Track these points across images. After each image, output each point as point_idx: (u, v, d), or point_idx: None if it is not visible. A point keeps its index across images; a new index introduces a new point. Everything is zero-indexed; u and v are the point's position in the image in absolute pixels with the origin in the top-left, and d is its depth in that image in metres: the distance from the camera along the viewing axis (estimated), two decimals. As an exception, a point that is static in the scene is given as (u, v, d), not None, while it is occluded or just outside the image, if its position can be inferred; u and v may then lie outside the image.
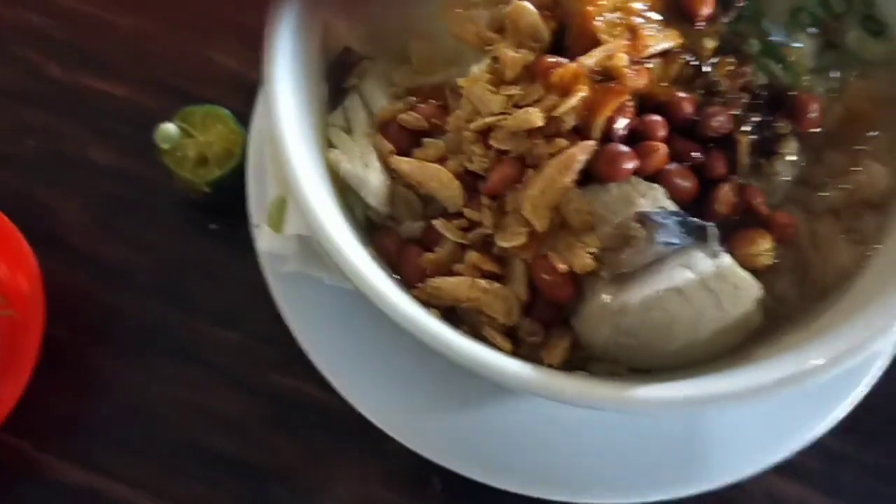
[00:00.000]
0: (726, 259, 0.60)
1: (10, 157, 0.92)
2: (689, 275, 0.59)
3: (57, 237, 0.87)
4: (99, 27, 0.97)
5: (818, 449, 0.74)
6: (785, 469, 0.74)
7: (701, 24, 0.68)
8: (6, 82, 0.96)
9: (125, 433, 0.80)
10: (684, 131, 0.65)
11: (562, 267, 0.60)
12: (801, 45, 0.71)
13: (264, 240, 0.72)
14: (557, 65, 0.63)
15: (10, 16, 0.98)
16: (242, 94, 0.90)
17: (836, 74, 0.71)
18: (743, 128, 0.66)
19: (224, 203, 0.84)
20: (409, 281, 0.64)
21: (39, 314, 0.78)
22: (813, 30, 0.71)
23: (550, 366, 0.61)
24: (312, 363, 0.75)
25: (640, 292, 0.59)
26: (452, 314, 0.64)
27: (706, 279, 0.60)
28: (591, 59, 0.63)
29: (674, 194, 0.63)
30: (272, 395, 0.82)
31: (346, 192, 0.67)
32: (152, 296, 0.85)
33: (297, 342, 0.75)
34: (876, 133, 0.69)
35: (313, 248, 0.71)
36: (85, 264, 0.87)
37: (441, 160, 0.66)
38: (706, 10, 0.67)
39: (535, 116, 0.61)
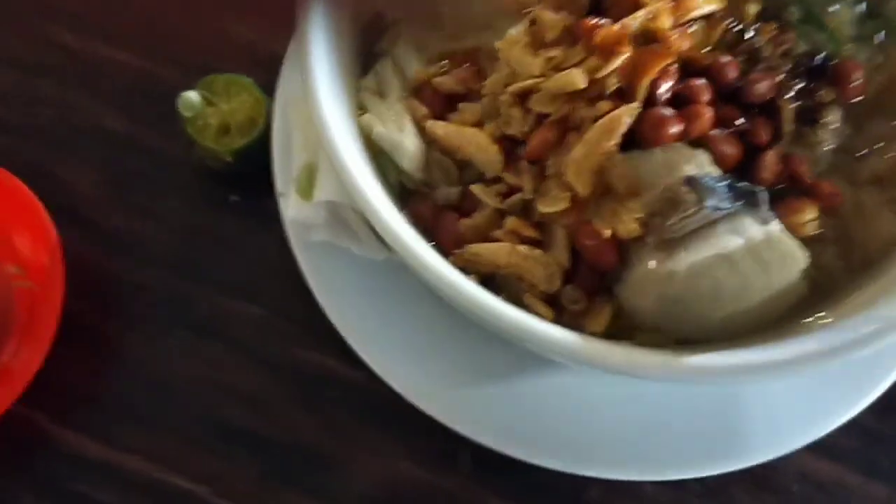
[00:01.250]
0: (776, 226, 0.59)
1: (25, 128, 0.90)
2: (737, 241, 0.58)
3: (74, 209, 0.85)
4: (114, -3, 0.95)
5: (855, 428, 0.72)
6: (819, 448, 0.73)
7: (745, -13, 0.66)
8: (19, 52, 0.94)
9: (143, 408, 0.78)
10: (727, 97, 0.64)
11: (606, 232, 0.58)
12: (843, 13, 0.69)
13: (292, 207, 0.70)
14: (600, 26, 0.61)
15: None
16: (258, 64, 0.89)
17: (878, 43, 0.69)
18: (786, 95, 0.65)
19: (246, 173, 0.82)
20: (446, 247, 0.62)
21: (59, 287, 0.76)
22: (855, -3, 0.70)
23: (593, 334, 0.59)
24: (338, 336, 0.73)
25: (687, 258, 0.57)
26: (491, 282, 0.62)
27: (755, 247, 0.58)
28: (634, 21, 0.61)
29: (718, 160, 0.61)
30: (294, 369, 0.80)
31: (379, 157, 0.65)
32: (171, 269, 0.83)
33: (324, 314, 0.73)
34: (920, 102, 0.67)
35: (343, 216, 0.69)
36: (102, 237, 0.84)
37: (478, 124, 0.64)
38: (752, -28, 0.66)
39: (578, 78, 0.60)
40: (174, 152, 0.87)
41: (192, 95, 0.80)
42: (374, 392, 0.75)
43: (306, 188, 0.69)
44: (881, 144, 0.67)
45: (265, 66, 0.85)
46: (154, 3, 0.95)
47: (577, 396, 0.71)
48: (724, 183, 0.57)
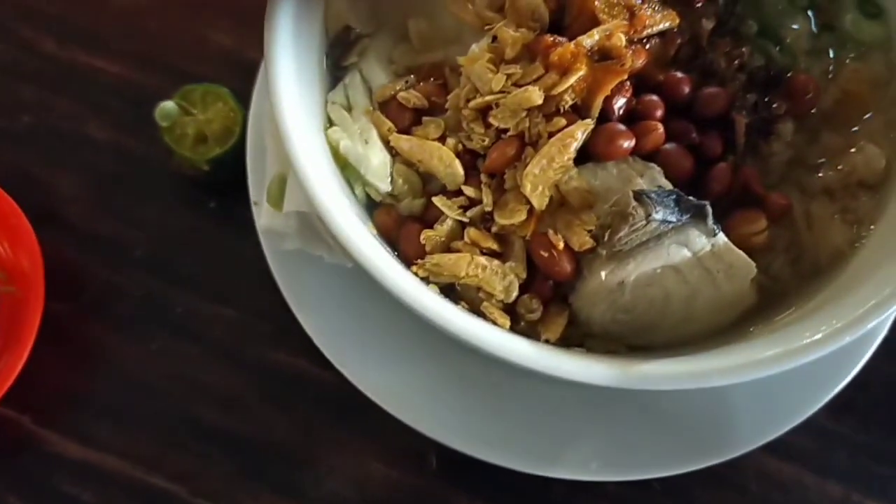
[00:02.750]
0: (722, 238, 0.61)
1: (5, 133, 0.92)
2: (685, 252, 0.60)
3: (54, 213, 0.87)
4: (92, 2, 0.97)
5: (811, 428, 0.75)
6: (777, 447, 0.75)
7: (699, 5, 0.68)
8: (1, 58, 0.95)
9: (122, 407, 0.81)
10: (681, 111, 0.66)
11: (560, 244, 0.60)
12: (798, 27, 0.71)
13: (264, 217, 0.72)
14: (557, 44, 0.63)
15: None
16: (238, 71, 0.91)
17: (832, 56, 0.71)
18: (740, 108, 0.67)
19: (223, 181, 0.85)
20: (409, 258, 0.65)
21: (39, 290, 0.78)
22: (810, 11, 0.72)
23: (548, 341, 0.62)
24: (310, 340, 0.75)
25: (637, 269, 0.60)
26: (451, 291, 0.64)
27: (702, 257, 0.61)
28: (590, 39, 0.63)
29: (671, 173, 0.63)
30: (268, 371, 0.82)
31: (346, 169, 0.67)
32: (149, 272, 0.85)
33: (296, 319, 0.75)
34: (871, 115, 0.69)
35: (313, 225, 0.71)
36: (82, 240, 0.87)
37: (441, 138, 0.66)
38: (705, -10, 0.67)
39: (535, 94, 0.62)
40: (154, 158, 0.89)
41: (168, 105, 0.82)
42: (345, 393, 0.77)
43: (277, 198, 0.71)
44: (833, 156, 0.69)
45: (246, 73, 0.86)
46: (133, 10, 0.96)
47: (541, 399, 0.73)
48: (672, 197, 0.59)
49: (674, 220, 0.59)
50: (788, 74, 0.69)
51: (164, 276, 0.85)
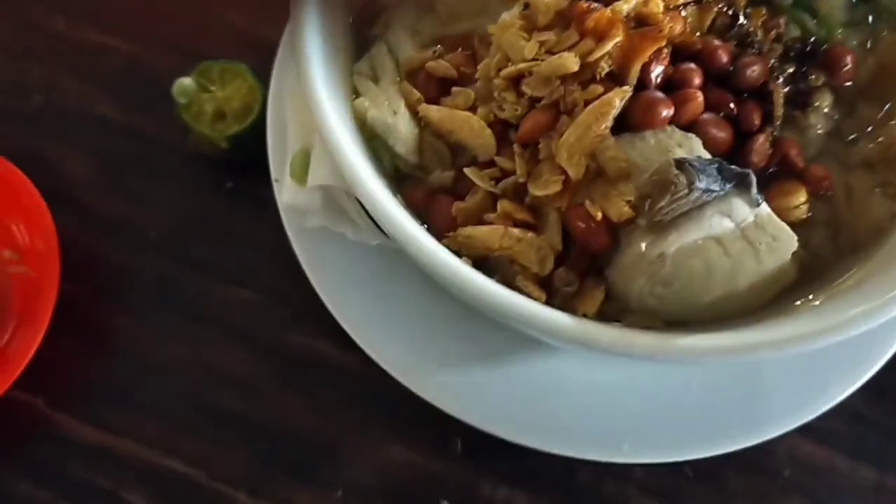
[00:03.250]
0: (765, 208, 0.59)
1: (18, 113, 0.90)
2: (728, 223, 0.58)
3: (68, 194, 0.85)
4: (105, -19, 0.95)
5: (844, 412, 0.73)
6: (809, 431, 0.74)
7: (735, -27, 0.66)
8: (10, 37, 0.94)
9: (136, 391, 0.79)
10: (719, 81, 0.64)
11: (597, 215, 0.58)
12: (833, -2, 0.70)
13: (286, 193, 0.70)
14: (593, 10, 0.61)
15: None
16: (252, 50, 0.89)
17: (869, 29, 0.70)
18: (777, 79, 0.65)
19: (241, 160, 0.83)
20: (440, 231, 0.63)
21: (54, 272, 0.76)
22: (846, -18, 0.70)
23: (585, 316, 0.60)
24: (330, 320, 0.73)
25: (678, 240, 0.58)
26: (484, 265, 0.62)
27: (745, 228, 0.59)
28: (626, 5, 0.61)
29: (709, 144, 0.61)
30: (285, 353, 0.80)
31: (373, 140, 0.65)
32: (165, 254, 0.83)
33: (316, 298, 0.73)
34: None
35: (338, 201, 0.69)
36: (97, 222, 0.85)
37: (471, 108, 0.64)
38: (743, -43, 0.66)
39: (571, 61, 0.60)
40: (168, 138, 0.87)
41: (186, 82, 0.81)
42: (366, 377, 0.75)
43: (300, 173, 0.69)
44: (871, 128, 0.67)
45: (258, 51, 0.85)
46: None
47: (568, 379, 0.71)
48: (714, 165, 0.57)
49: (717, 188, 0.57)
50: (825, 46, 0.68)
51: (179, 258, 0.83)
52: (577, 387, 0.72)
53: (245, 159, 0.82)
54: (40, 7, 0.94)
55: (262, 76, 0.82)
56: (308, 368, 0.79)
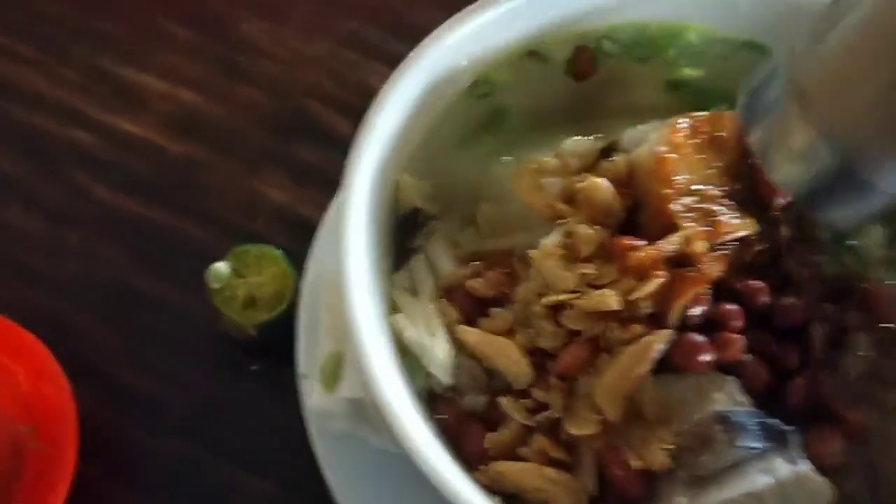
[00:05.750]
0: (805, 465, 0.58)
1: (49, 279, 0.90)
2: (767, 480, 0.57)
3: (91, 367, 0.85)
4: (149, 152, 0.97)
5: None
6: None
7: (776, 212, 0.67)
8: (50, 201, 0.95)
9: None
10: (758, 320, 0.64)
11: (637, 463, 0.57)
12: (873, 236, 0.70)
13: (315, 397, 0.70)
14: (636, 247, 0.62)
15: (61, 133, 0.98)
16: (289, 229, 0.91)
17: (908, 268, 0.70)
18: (815, 319, 0.65)
19: (268, 345, 0.82)
20: (470, 460, 0.62)
21: (71, 450, 0.75)
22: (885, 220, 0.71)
23: (618, 568, 0.58)
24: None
25: (718, 497, 0.56)
26: (514, 501, 0.61)
27: (784, 485, 0.58)
28: (670, 245, 0.62)
29: (747, 386, 0.61)
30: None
31: (407, 356, 0.65)
32: (185, 435, 0.82)
33: (335, 497, 0.72)
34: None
35: (365, 409, 0.69)
36: (118, 396, 0.84)
37: (509, 332, 0.64)
38: (783, 198, 0.67)
39: (612, 300, 0.60)
40: (197, 314, 0.87)
41: (221, 267, 0.81)
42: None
43: (330, 380, 0.69)
44: (910, 373, 0.66)
45: (296, 230, 0.86)
46: (189, 162, 0.96)
47: None
48: (756, 421, 0.57)
49: (759, 447, 0.56)
50: (863, 285, 0.68)
51: (200, 442, 0.82)
52: None
53: (273, 345, 0.81)
54: (83, 173, 0.96)
55: (297, 256, 0.82)
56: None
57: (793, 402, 0.63)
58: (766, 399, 0.61)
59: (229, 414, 0.83)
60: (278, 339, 0.80)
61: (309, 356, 0.75)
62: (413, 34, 0.71)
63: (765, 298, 0.64)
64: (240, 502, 0.80)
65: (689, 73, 0.77)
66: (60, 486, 0.74)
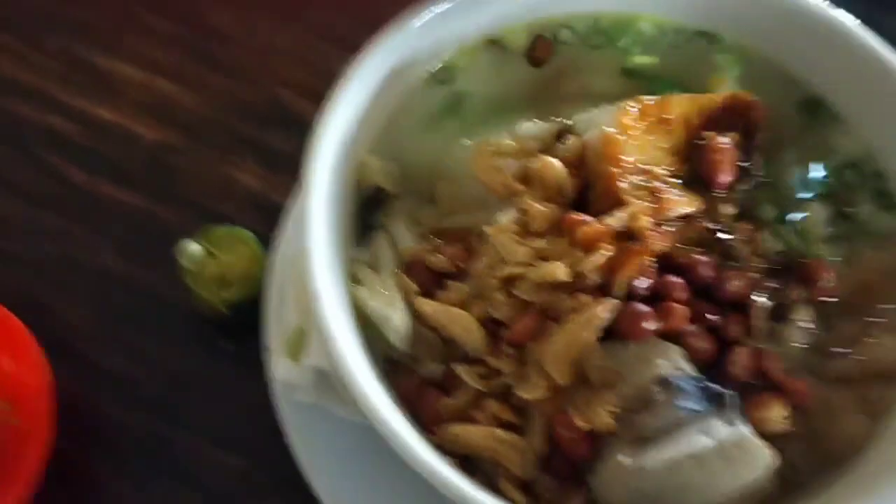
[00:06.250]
0: (744, 427, 0.61)
1: (26, 260, 0.92)
2: (707, 441, 0.60)
3: (66, 344, 0.87)
4: (125, 138, 0.99)
5: None
6: None
7: (719, 191, 0.70)
8: (26, 184, 0.97)
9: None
10: (702, 293, 0.67)
11: (581, 424, 0.60)
12: (814, 214, 0.73)
13: (281, 368, 0.72)
14: (584, 222, 0.65)
15: (38, 119, 1.00)
16: (261, 213, 0.93)
17: (848, 244, 0.73)
18: (758, 293, 0.68)
19: (239, 324, 0.85)
20: (427, 424, 0.64)
21: (46, 425, 0.77)
22: (826, 200, 0.74)
23: (566, 524, 0.61)
24: (314, 496, 0.74)
25: (658, 456, 0.59)
26: (468, 461, 0.63)
27: (723, 446, 0.60)
28: (616, 220, 0.65)
29: (691, 355, 0.64)
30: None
31: (368, 327, 0.68)
32: (157, 412, 0.84)
33: (303, 474, 0.74)
34: (888, 306, 0.70)
35: (330, 381, 0.71)
36: (92, 374, 0.86)
37: (464, 304, 0.67)
38: (725, 178, 0.70)
39: (561, 271, 0.63)
40: (170, 294, 0.89)
41: (192, 246, 0.83)
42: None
43: (295, 351, 0.71)
44: (850, 344, 0.69)
45: (268, 216, 0.88)
46: (164, 147, 0.99)
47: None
48: (695, 384, 0.60)
49: (698, 408, 0.59)
50: (805, 261, 0.71)
51: (172, 418, 0.84)
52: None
53: (243, 323, 0.84)
54: (57, 156, 0.98)
55: (268, 240, 0.85)
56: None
57: (735, 372, 0.65)
58: (711, 370, 0.64)
59: (200, 391, 0.86)
60: (248, 317, 0.82)
61: (276, 332, 0.77)
62: (383, 25, 0.74)
63: (708, 272, 0.67)
64: (210, 476, 0.82)
65: (643, 60, 0.79)
66: (35, 460, 0.76)
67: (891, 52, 0.73)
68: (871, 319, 0.70)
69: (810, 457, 0.67)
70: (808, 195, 0.74)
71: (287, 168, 0.96)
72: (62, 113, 1.00)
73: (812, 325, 0.69)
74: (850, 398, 0.68)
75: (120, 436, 0.83)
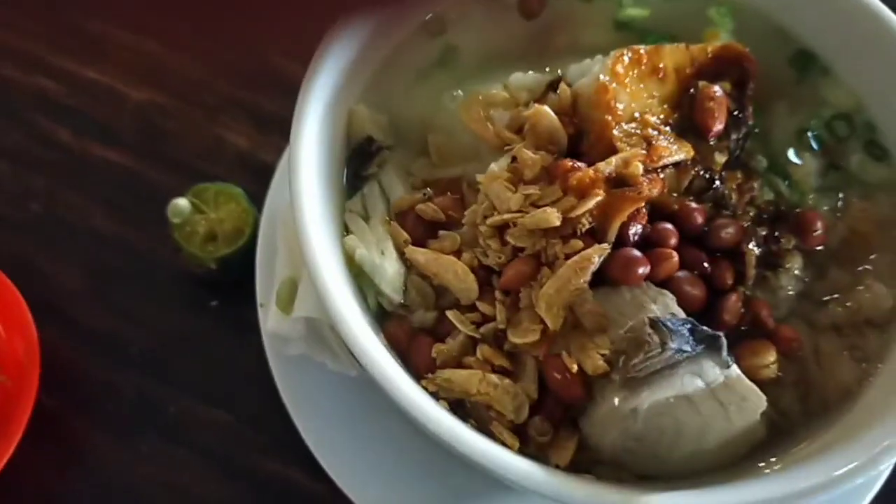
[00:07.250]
0: (735, 370, 0.61)
1: (13, 221, 0.92)
2: (698, 383, 0.60)
3: (53, 304, 0.86)
4: (113, 98, 0.98)
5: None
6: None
7: (712, 139, 0.70)
8: (15, 146, 0.96)
9: (105, 510, 0.78)
10: (694, 241, 0.67)
11: (574, 367, 0.60)
12: (806, 164, 0.73)
13: (271, 320, 0.72)
14: (576, 168, 0.64)
15: (26, 81, 0.99)
16: (250, 173, 0.92)
17: (839, 195, 0.73)
18: (750, 241, 0.68)
19: (229, 281, 0.84)
20: (419, 371, 0.64)
21: (33, 383, 0.77)
22: (817, 151, 0.74)
23: (557, 466, 0.61)
24: (304, 448, 0.74)
25: (649, 398, 0.59)
26: (460, 407, 0.63)
27: (715, 389, 0.60)
28: (608, 166, 0.64)
29: (683, 301, 0.64)
30: (258, 480, 0.80)
31: (360, 277, 0.67)
32: (145, 370, 0.84)
33: (293, 425, 0.74)
34: (878, 254, 0.70)
35: (320, 332, 0.71)
36: (80, 334, 0.86)
37: (456, 253, 0.67)
38: (718, 126, 0.69)
39: (553, 216, 0.63)
40: (158, 254, 0.89)
41: (182, 202, 0.83)
42: (337, 506, 0.75)
43: (286, 303, 0.71)
44: (841, 292, 0.69)
45: (258, 175, 0.88)
46: (152, 107, 0.98)
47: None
48: (687, 326, 0.60)
49: (689, 349, 0.59)
50: (797, 210, 0.71)
51: (160, 375, 0.84)
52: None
53: (232, 281, 0.83)
54: (46, 118, 0.97)
55: (258, 199, 0.84)
56: (280, 496, 0.79)
57: (726, 319, 0.65)
58: (702, 318, 0.64)
59: (189, 349, 0.85)
60: (239, 273, 0.82)
61: (267, 286, 0.77)
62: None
63: (700, 220, 0.67)
64: (198, 433, 0.82)
65: (635, 13, 0.79)
66: (19, 417, 0.76)
67: (882, 5, 0.73)
68: (861, 268, 0.70)
69: (802, 404, 0.67)
70: (798, 146, 0.74)
71: (277, 129, 0.96)
72: (49, 74, 0.99)
73: (803, 274, 0.69)
74: (841, 345, 0.68)
75: (107, 395, 0.83)
